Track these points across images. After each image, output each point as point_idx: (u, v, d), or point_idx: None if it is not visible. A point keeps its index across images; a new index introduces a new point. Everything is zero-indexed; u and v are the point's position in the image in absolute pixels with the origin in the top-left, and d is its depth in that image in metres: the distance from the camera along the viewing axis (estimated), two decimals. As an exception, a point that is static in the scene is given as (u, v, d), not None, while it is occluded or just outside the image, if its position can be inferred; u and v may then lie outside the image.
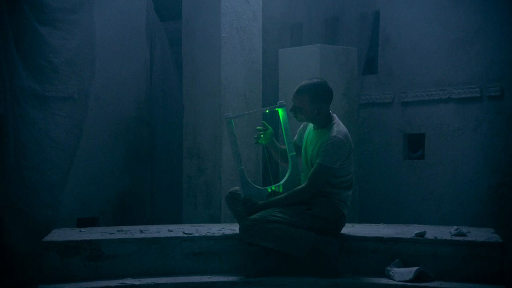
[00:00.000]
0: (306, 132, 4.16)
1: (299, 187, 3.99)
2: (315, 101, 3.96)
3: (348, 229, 4.38)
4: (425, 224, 5.21)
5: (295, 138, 4.23)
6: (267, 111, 4.14)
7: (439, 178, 5.84)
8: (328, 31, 6.62)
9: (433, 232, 4.21)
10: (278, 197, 4.01)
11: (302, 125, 4.23)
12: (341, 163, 3.96)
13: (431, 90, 5.89)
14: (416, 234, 4.05)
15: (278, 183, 4.11)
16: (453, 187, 5.75)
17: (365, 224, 4.90)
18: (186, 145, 5.74)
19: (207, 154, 5.57)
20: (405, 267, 3.94)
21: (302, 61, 5.66)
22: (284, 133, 4.10)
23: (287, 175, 4.12)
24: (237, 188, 4.17)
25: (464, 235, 4.06)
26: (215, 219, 5.46)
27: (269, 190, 4.07)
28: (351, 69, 5.80)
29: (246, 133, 5.47)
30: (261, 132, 4.12)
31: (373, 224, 4.82)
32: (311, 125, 4.14)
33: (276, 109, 4.11)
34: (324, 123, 4.02)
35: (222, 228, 4.51)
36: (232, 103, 5.49)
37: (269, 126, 4.16)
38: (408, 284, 3.78)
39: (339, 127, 3.99)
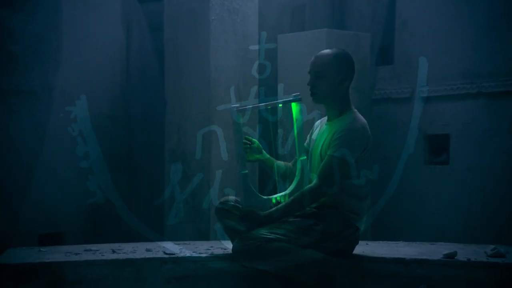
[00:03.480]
0: (314, 134, 4.05)
1: (307, 187, 3.83)
2: (340, 65, 3.87)
3: (362, 248, 4.25)
4: (451, 241, 5.09)
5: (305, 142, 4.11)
6: (280, 104, 3.97)
7: (467, 187, 5.79)
8: (335, 14, 6.63)
9: (464, 252, 4.08)
10: (283, 203, 3.85)
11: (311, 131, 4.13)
12: (357, 158, 3.81)
13: (457, 84, 5.85)
14: (444, 255, 3.91)
15: (284, 192, 3.94)
16: (483, 197, 5.70)
17: (381, 241, 4.83)
18: (169, 147, 5.71)
19: (193, 157, 5.51)
20: (432, 294, 3.80)
21: (306, 48, 5.63)
22: (295, 132, 3.93)
23: (294, 183, 3.95)
24: (228, 198, 4.03)
25: (502, 255, 3.92)
26: (203, 235, 5.41)
27: (274, 201, 3.91)
28: (363, 59, 5.80)
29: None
30: (247, 146, 3.99)
31: (390, 242, 4.74)
32: (317, 123, 4.04)
33: (291, 103, 3.96)
34: (342, 106, 3.90)
35: (211, 246, 4.38)
36: (223, 97, 5.41)
37: (255, 140, 4.04)
38: (437, 316, 3.66)
39: (357, 115, 3.89)
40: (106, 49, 6.04)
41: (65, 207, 5.73)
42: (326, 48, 5.40)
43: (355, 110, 3.93)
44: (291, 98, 3.93)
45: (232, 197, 4.02)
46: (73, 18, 5.73)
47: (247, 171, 3.89)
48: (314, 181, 3.81)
